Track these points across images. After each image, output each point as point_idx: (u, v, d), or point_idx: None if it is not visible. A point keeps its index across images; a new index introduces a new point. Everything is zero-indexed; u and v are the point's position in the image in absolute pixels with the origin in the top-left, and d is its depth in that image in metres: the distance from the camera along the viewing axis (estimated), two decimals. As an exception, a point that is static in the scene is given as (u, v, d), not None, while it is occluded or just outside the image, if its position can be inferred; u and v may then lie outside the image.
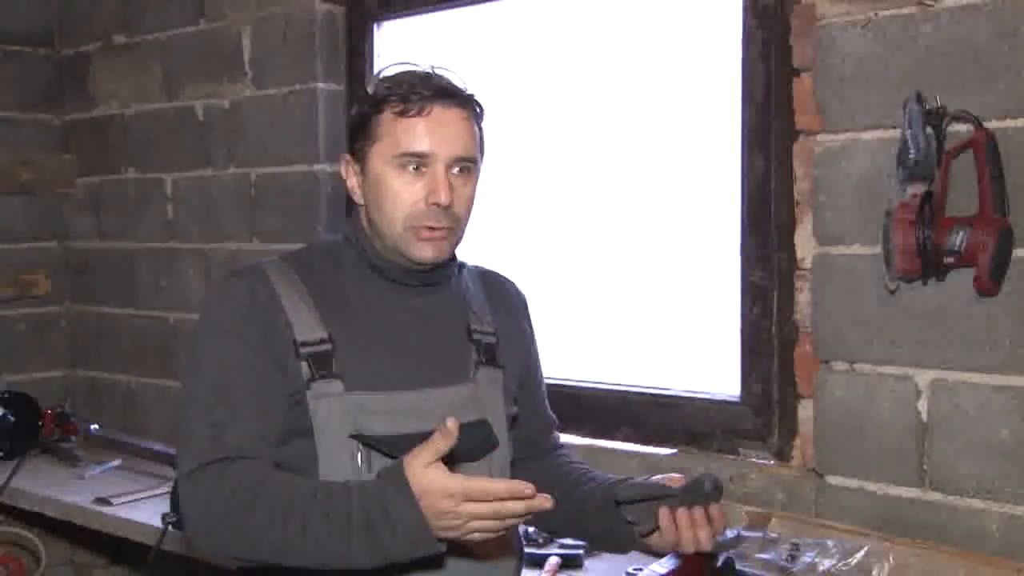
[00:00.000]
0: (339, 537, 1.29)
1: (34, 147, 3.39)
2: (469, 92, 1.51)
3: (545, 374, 1.78)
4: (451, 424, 1.24)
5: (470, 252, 1.68)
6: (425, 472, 1.24)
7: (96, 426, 3.04)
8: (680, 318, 2.32)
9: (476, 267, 1.69)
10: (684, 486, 1.43)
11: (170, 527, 2.17)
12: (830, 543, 1.81)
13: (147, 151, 3.20)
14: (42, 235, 3.43)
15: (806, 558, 1.79)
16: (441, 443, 1.24)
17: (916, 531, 1.84)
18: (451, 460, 1.43)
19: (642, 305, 2.38)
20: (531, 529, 2.09)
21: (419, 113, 1.44)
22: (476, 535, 1.27)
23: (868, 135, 1.88)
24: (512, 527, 1.31)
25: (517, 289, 1.74)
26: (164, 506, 2.28)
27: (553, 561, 1.98)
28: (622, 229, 2.40)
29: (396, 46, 2.73)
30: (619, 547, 1.58)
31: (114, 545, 3.13)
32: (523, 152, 2.55)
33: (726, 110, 2.13)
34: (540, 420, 1.74)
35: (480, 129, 1.53)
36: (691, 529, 1.41)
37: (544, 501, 1.24)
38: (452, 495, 1.23)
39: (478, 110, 1.52)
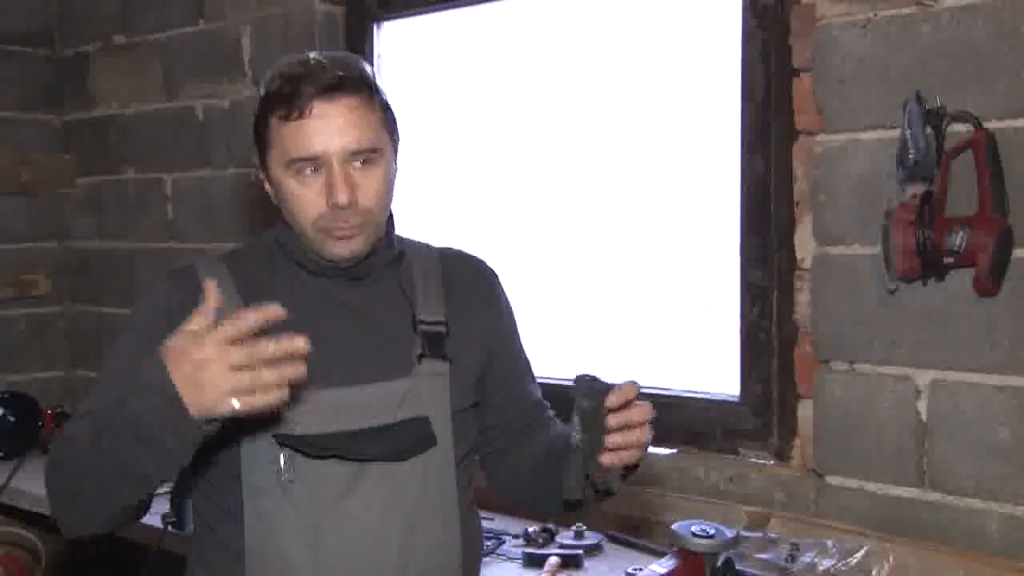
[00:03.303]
0: (119, 429, 1.22)
1: (34, 147, 3.39)
2: (358, 77, 1.40)
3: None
4: (208, 286, 1.17)
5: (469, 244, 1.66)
6: (191, 319, 1.17)
7: (96, 426, 3.03)
8: (680, 318, 2.32)
9: (439, 249, 1.62)
10: (581, 427, 1.31)
11: (170, 527, 2.17)
12: (830, 543, 1.81)
13: (147, 151, 3.20)
14: (42, 235, 3.43)
15: (806, 558, 1.79)
16: (211, 296, 1.17)
17: (916, 531, 1.84)
18: (379, 459, 1.41)
19: (642, 305, 2.38)
20: (531, 529, 2.09)
21: (302, 115, 1.36)
22: (238, 399, 1.14)
23: (868, 135, 1.88)
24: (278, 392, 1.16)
25: (482, 267, 1.65)
26: (164, 506, 2.28)
27: (553, 561, 1.98)
28: (622, 229, 2.40)
29: (396, 46, 2.73)
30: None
31: (114, 545, 3.13)
32: (524, 153, 2.55)
33: (726, 110, 2.13)
34: (521, 402, 1.64)
35: (384, 110, 1.44)
36: (628, 434, 1.31)
37: (299, 344, 1.12)
38: (195, 332, 1.15)
39: (373, 94, 1.42)
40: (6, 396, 2.98)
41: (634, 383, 1.34)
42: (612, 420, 1.31)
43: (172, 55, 3.09)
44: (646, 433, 1.33)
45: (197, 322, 1.17)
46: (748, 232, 2.09)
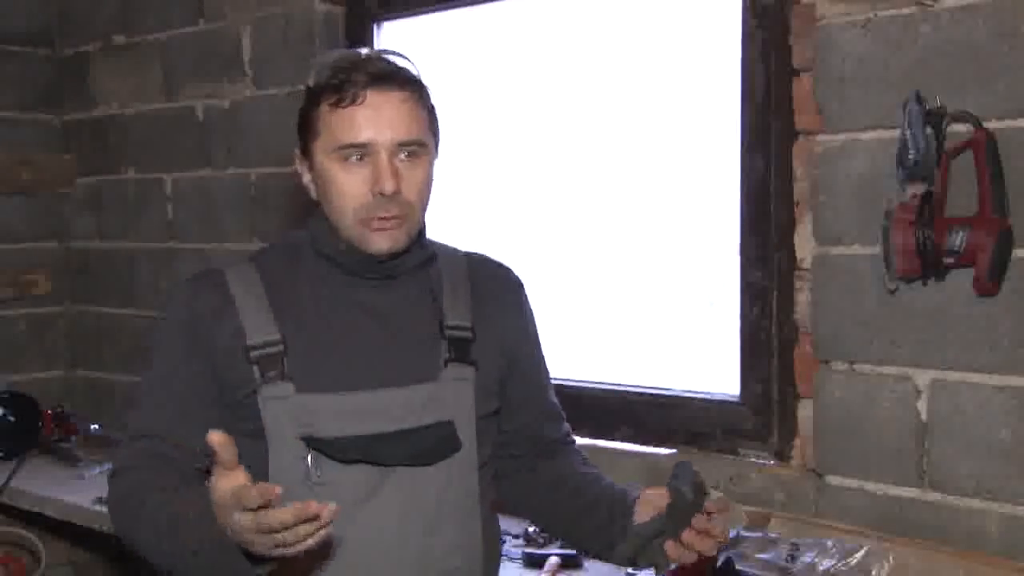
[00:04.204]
0: (191, 558, 1.32)
1: (34, 147, 3.39)
2: (409, 73, 1.44)
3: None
4: (214, 438, 1.19)
5: (468, 244, 1.66)
6: (214, 486, 1.22)
7: (96, 426, 3.04)
8: (680, 318, 2.32)
9: (466, 253, 1.63)
10: (669, 509, 1.36)
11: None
12: (830, 543, 1.81)
13: (147, 151, 3.20)
14: (42, 235, 3.43)
15: (806, 558, 1.79)
16: (222, 456, 1.20)
17: (916, 531, 1.84)
18: (405, 464, 1.43)
19: (642, 305, 2.39)
20: (531, 528, 2.09)
21: (353, 102, 1.38)
22: (278, 550, 1.20)
23: (868, 135, 1.88)
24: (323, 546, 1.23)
25: (507, 274, 1.66)
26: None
27: (553, 561, 1.98)
28: (623, 229, 2.40)
29: (396, 46, 2.73)
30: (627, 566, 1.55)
31: (114, 545, 3.13)
32: (524, 153, 2.55)
33: (726, 110, 2.14)
34: (536, 409, 1.66)
35: (429, 110, 1.47)
36: (703, 540, 1.35)
37: (312, 509, 1.15)
38: (225, 506, 1.20)
39: (422, 91, 1.45)
40: (6, 396, 2.97)
41: (726, 500, 1.39)
42: (697, 521, 1.34)
43: (172, 55, 3.09)
44: (713, 546, 1.36)
45: (223, 484, 1.20)
46: (748, 232, 2.09)
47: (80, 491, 2.64)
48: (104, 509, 2.49)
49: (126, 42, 3.23)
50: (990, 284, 1.73)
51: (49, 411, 3.01)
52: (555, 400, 1.71)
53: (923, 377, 1.84)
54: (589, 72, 2.43)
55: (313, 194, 1.49)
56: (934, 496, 1.84)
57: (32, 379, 3.35)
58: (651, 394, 2.28)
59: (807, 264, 1.99)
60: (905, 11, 1.83)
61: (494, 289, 1.61)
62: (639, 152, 2.36)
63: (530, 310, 1.68)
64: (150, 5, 3.14)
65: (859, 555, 1.78)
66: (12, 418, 2.94)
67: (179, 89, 3.08)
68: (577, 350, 2.46)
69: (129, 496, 1.43)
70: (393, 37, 2.74)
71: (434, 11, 2.63)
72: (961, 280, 1.77)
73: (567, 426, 1.72)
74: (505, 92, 2.57)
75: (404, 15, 2.69)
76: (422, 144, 1.43)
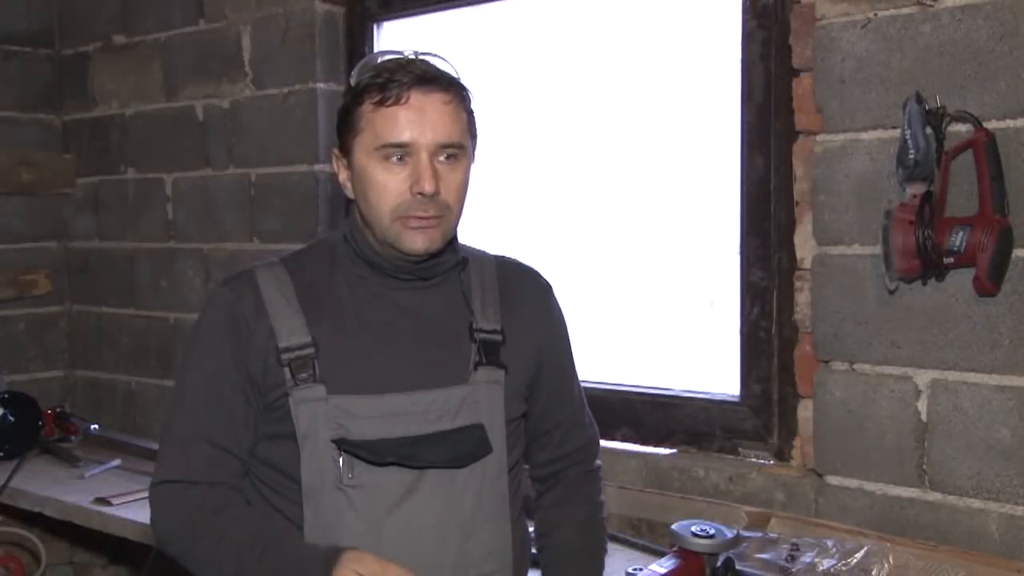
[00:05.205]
0: None
1: (34, 147, 3.39)
2: (453, 76, 1.46)
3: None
4: None
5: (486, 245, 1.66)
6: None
7: (96, 426, 3.04)
8: (680, 318, 2.32)
9: (496, 257, 1.63)
10: None
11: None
12: (830, 543, 1.81)
13: (147, 151, 3.20)
14: (42, 235, 3.43)
15: (806, 558, 1.79)
16: None
17: (916, 531, 1.84)
18: (438, 466, 1.43)
19: (642, 305, 2.38)
20: (532, 529, 2.09)
21: (397, 102, 1.40)
22: None
23: (868, 135, 1.88)
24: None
25: (536, 277, 1.66)
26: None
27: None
28: (622, 229, 2.40)
29: (396, 46, 2.73)
30: None
31: (114, 545, 3.13)
32: (523, 152, 2.55)
33: (726, 110, 2.14)
34: (561, 415, 1.66)
35: (469, 113, 1.48)
36: None
37: None
38: None
39: (464, 94, 1.47)
40: (6, 396, 2.97)
41: None
42: None
43: (172, 55, 3.09)
44: None
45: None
46: (748, 232, 2.09)
47: (80, 491, 2.64)
48: (103, 509, 2.50)
49: (126, 42, 3.23)
50: (990, 284, 1.73)
51: (49, 411, 3.02)
52: (583, 405, 1.71)
53: (923, 377, 1.84)
54: (589, 72, 2.43)
55: (349, 192, 1.50)
56: (934, 496, 1.84)
57: (32, 379, 3.35)
58: (651, 394, 2.28)
59: (807, 264, 1.99)
60: (905, 11, 1.83)
61: (523, 292, 1.62)
62: (639, 152, 2.36)
63: (560, 313, 1.68)
64: (150, 5, 3.14)
65: (859, 555, 1.78)
66: (12, 418, 2.94)
67: (179, 89, 3.08)
68: (577, 350, 2.46)
69: (209, 518, 1.43)
70: (393, 37, 2.75)
71: (434, 11, 2.64)
72: (961, 280, 1.77)
73: (593, 433, 1.72)
74: (504, 92, 2.57)
75: (404, 15, 2.69)
76: (462, 147, 1.44)
